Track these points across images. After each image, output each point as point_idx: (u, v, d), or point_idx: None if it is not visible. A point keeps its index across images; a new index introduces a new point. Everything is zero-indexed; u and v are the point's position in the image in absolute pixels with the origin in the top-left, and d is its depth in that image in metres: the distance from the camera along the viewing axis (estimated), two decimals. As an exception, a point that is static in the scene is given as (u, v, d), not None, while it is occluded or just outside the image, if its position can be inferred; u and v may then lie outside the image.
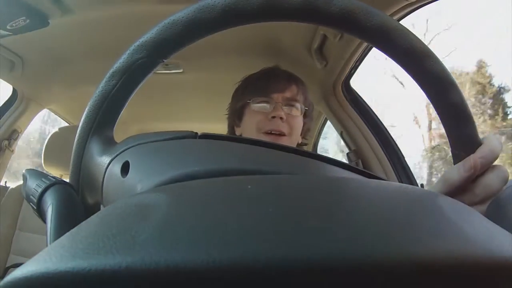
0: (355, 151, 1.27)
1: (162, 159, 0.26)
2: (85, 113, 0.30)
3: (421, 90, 0.30)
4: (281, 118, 0.79)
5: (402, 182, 1.18)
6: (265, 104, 0.82)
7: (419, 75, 0.29)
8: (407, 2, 0.81)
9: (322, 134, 1.70)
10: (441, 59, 0.29)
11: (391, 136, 1.26)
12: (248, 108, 0.84)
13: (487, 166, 0.30)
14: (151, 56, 0.28)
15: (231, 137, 0.29)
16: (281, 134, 0.79)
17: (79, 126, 0.31)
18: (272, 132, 0.79)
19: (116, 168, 0.27)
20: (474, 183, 0.30)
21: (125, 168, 0.26)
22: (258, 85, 0.84)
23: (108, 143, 0.30)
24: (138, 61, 0.28)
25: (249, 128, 0.84)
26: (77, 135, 0.31)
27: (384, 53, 0.29)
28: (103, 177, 0.28)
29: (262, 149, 0.28)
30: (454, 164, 0.31)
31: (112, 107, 0.30)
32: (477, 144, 0.30)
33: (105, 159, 0.28)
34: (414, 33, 0.28)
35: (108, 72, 0.29)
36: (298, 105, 0.83)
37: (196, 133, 0.29)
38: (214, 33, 0.29)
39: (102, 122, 0.30)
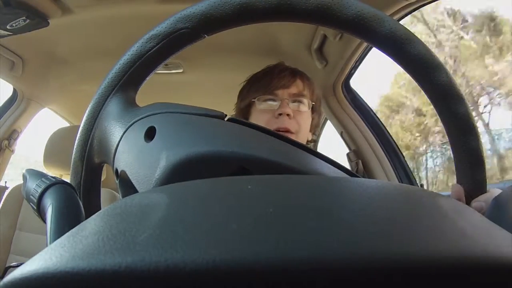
0: (355, 151, 1.27)
1: (191, 132, 0.26)
2: (112, 71, 0.30)
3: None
4: (288, 115, 0.77)
5: (402, 182, 1.18)
6: (271, 102, 0.80)
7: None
8: (407, 2, 0.81)
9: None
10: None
11: (391, 136, 1.26)
12: (254, 107, 0.82)
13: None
14: (196, 29, 0.28)
15: (258, 126, 0.28)
16: (288, 132, 0.77)
17: (102, 84, 0.30)
18: (279, 130, 0.76)
19: (139, 131, 0.27)
20: None
21: (150, 133, 0.26)
22: (262, 83, 0.82)
23: (131, 104, 0.29)
24: (181, 30, 0.28)
25: None
26: (97, 93, 0.30)
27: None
28: (121, 138, 0.28)
29: (287, 145, 0.28)
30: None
31: (143, 68, 0.30)
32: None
33: (127, 120, 0.28)
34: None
35: (146, 34, 0.29)
36: (305, 100, 0.81)
37: (225, 115, 0.28)
38: (261, 22, 0.29)
39: (128, 81, 0.30)
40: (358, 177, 0.27)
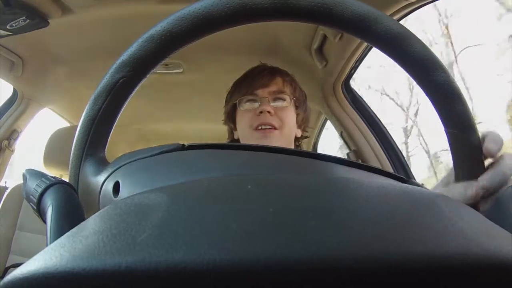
0: (355, 151, 1.27)
1: (149, 175, 0.27)
2: (75, 137, 0.31)
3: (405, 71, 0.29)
4: (268, 112, 0.79)
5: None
6: (251, 102, 0.82)
7: (403, 59, 0.29)
8: (407, 2, 0.81)
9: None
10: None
11: (391, 136, 1.26)
12: (238, 110, 0.85)
13: (493, 191, 0.29)
14: (135, 75, 0.28)
15: (217, 145, 0.29)
16: (271, 128, 0.79)
17: (72, 148, 0.31)
18: (262, 127, 0.79)
19: (109, 188, 0.28)
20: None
21: (116, 188, 0.27)
22: (244, 85, 0.84)
23: (101, 164, 0.30)
24: (120, 80, 0.28)
25: (242, 128, 0.84)
26: (71, 156, 0.31)
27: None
28: (99, 197, 0.29)
29: (246, 153, 0.28)
30: (451, 145, 0.30)
31: (99, 130, 0.30)
32: (470, 122, 0.29)
33: (99, 180, 0.29)
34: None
35: (92, 96, 0.29)
36: (285, 96, 0.82)
37: (183, 144, 0.29)
38: (191, 43, 0.28)
39: (93, 144, 0.30)
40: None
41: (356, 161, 0.28)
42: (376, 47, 0.29)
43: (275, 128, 0.79)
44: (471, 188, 0.29)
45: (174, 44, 0.28)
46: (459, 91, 0.29)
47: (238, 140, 0.89)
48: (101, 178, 0.29)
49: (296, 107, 0.86)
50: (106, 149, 0.32)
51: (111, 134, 0.31)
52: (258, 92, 0.82)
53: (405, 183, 0.29)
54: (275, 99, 0.82)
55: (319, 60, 1.16)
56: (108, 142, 0.31)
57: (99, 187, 0.29)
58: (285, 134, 0.81)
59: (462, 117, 0.29)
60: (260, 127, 0.79)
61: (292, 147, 0.86)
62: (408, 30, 0.28)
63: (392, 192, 0.20)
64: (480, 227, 0.17)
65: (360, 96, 1.31)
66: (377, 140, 1.25)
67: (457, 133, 0.29)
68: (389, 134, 1.27)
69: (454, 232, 0.16)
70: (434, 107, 0.30)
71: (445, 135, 0.30)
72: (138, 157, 0.28)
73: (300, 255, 0.13)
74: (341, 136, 1.33)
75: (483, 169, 0.30)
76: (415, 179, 1.25)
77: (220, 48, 1.21)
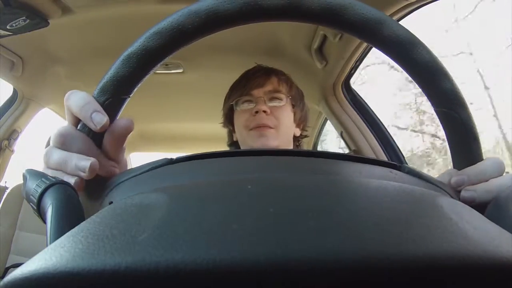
0: (355, 151, 1.27)
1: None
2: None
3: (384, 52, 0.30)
4: (264, 111, 0.79)
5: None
6: (248, 103, 0.83)
7: (378, 41, 0.29)
8: (407, 2, 0.81)
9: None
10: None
11: (391, 136, 1.26)
12: (235, 111, 0.85)
13: (478, 182, 0.30)
14: (115, 96, 0.29)
15: (204, 154, 0.29)
16: (267, 127, 0.79)
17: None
18: (258, 127, 0.79)
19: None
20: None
21: None
22: (240, 86, 0.85)
23: (98, 185, 0.30)
24: (105, 103, 0.29)
25: (239, 129, 0.84)
26: None
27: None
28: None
29: (232, 159, 0.29)
30: (443, 125, 0.31)
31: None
32: (460, 100, 0.29)
33: (97, 201, 0.29)
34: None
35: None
36: (281, 95, 0.83)
37: (171, 158, 0.29)
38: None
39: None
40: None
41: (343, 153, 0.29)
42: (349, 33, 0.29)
43: (270, 127, 0.79)
44: (455, 175, 0.30)
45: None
46: (445, 68, 0.29)
47: (237, 142, 0.89)
48: (99, 199, 0.29)
49: (293, 106, 0.86)
50: None
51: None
52: (254, 92, 0.82)
53: (398, 169, 0.29)
54: (271, 99, 0.82)
55: (319, 60, 1.16)
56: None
57: (99, 208, 0.29)
58: (282, 133, 0.81)
59: (450, 94, 0.29)
60: (256, 127, 0.79)
61: (291, 146, 0.86)
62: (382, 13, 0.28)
63: (392, 192, 0.20)
64: (480, 227, 0.17)
65: (360, 96, 1.31)
66: (377, 140, 1.25)
67: (446, 111, 0.29)
68: (389, 134, 1.27)
69: (454, 232, 0.16)
70: (420, 86, 0.30)
71: (436, 115, 0.30)
72: (130, 176, 0.28)
73: (300, 255, 0.13)
74: (341, 136, 1.33)
75: (477, 149, 0.30)
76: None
77: (220, 48, 1.22)
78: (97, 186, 0.30)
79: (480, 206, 0.28)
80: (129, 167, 0.31)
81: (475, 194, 0.29)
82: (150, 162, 0.29)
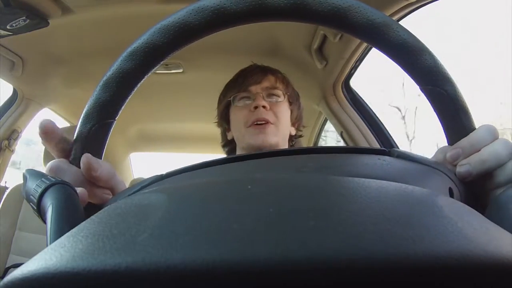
0: (355, 151, 1.27)
1: None
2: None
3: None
4: (263, 106, 0.78)
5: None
6: (246, 99, 0.82)
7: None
8: (407, 2, 0.80)
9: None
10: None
11: (391, 136, 1.26)
12: (232, 108, 0.84)
13: (471, 154, 0.29)
14: (101, 120, 0.30)
15: (193, 166, 0.29)
16: (267, 122, 0.78)
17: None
18: (257, 122, 0.78)
19: None
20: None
21: None
22: (236, 83, 0.84)
23: (92, 212, 0.31)
24: (92, 128, 0.30)
25: (237, 127, 0.83)
26: None
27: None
28: None
29: (218, 167, 0.29)
30: (432, 104, 0.30)
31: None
32: (444, 74, 0.29)
33: None
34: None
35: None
36: (279, 92, 0.83)
37: (162, 174, 0.30)
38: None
39: None
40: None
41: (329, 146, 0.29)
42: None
43: (270, 123, 0.78)
44: (449, 151, 0.30)
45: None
46: (425, 45, 0.28)
47: (232, 141, 0.88)
48: None
49: (290, 103, 0.86)
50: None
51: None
52: (251, 88, 0.82)
53: (388, 154, 0.29)
54: (268, 95, 0.82)
55: (319, 60, 1.16)
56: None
57: None
58: (281, 130, 0.81)
59: (433, 71, 0.28)
60: (255, 123, 0.78)
61: (287, 145, 0.86)
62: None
63: (391, 192, 0.20)
64: (480, 227, 0.17)
65: (360, 96, 1.31)
66: (377, 140, 1.25)
67: (432, 88, 0.29)
68: (389, 134, 1.27)
69: (454, 232, 0.16)
70: (401, 67, 0.29)
71: (423, 95, 0.30)
72: (125, 195, 0.28)
73: (300, 255, 0.13)
74: (341, 136, 1.33)
75: (469, 120, 0.30)
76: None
77: (220, 48, 1.22)
78: (91, 213, 0.30)
79: (481, 206, 0.28)
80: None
81: (470, 167, 0.29)
82: (144, 180, 0.29)
